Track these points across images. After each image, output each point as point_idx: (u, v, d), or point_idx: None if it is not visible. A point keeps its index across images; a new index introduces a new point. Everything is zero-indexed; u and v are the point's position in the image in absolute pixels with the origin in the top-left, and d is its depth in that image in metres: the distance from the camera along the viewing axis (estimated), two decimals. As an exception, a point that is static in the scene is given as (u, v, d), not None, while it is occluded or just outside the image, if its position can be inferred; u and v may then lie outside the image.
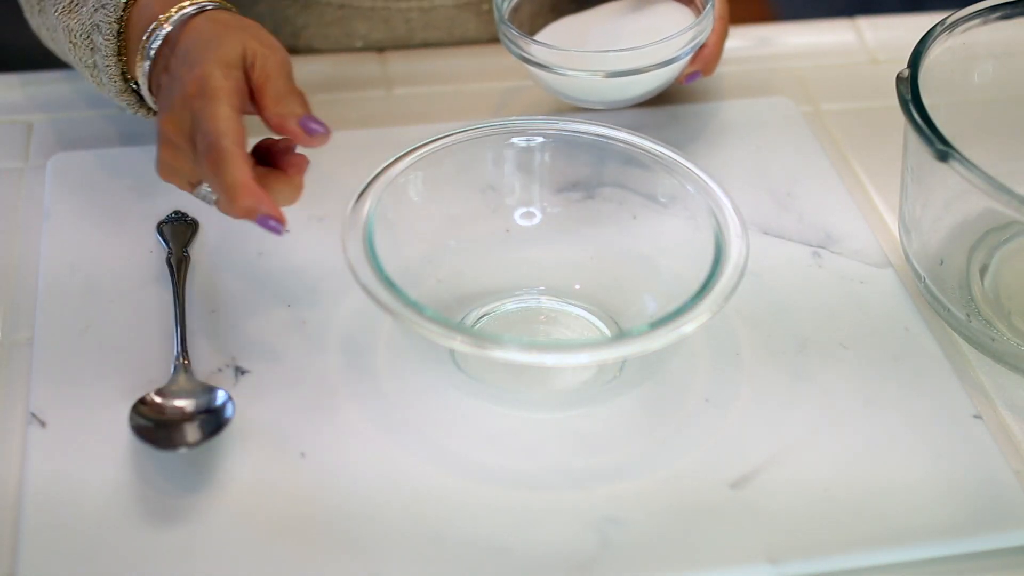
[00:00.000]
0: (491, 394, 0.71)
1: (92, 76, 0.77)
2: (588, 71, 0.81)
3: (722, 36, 0.85)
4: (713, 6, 0.83)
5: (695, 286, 0.67)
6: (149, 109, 0.77)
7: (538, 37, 0.84)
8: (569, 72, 0.81)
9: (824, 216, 0.83)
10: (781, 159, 0.87)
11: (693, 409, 0.71)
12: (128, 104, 0.77)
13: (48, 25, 0.80)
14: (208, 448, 0.67)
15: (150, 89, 0.74)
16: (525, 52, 0.82)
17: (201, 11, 0.72)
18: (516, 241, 0.77)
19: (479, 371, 0.71)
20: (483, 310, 0.74)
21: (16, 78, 0.91)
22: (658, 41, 0.80)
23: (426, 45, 0.97)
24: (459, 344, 0.64)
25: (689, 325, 0.64)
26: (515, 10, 0.86)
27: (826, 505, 0.66)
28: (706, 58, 0.84)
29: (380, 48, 0.97)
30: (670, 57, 0.81)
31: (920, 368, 0.73)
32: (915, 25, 0.87)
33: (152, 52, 0.72)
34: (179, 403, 0.68)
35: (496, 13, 0.83)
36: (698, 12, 0.84)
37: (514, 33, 0.82)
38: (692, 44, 0.82)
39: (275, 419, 0.69)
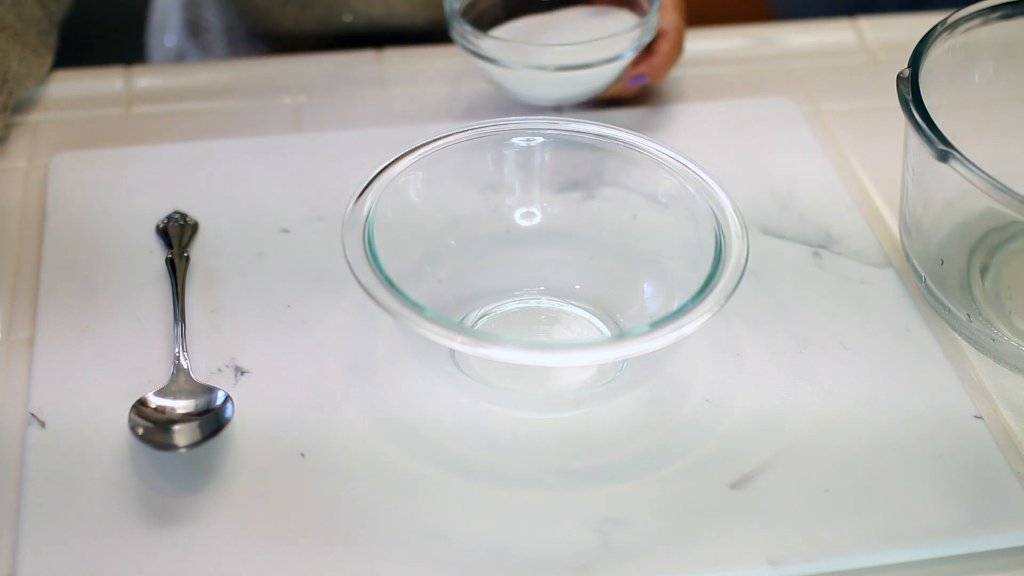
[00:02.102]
0: (491, 394, 0.71)
1: None
2: (536, 66, 0.84)
3: (675, 47, 0.88)
4: (657, 10, 0.85)
5: (695, 286, 0.67)
6: None
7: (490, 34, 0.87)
8: (518, 66, 0.84)
9: (824, 216, 0.83)
10: (781, 159, 0.87)
11: (693, 409, 0.71)
12: None
13: None
14: (208, 448, 0.67)
15: None
16: (475, 47, 0.85)
17: None
18: (516, 241, 0.77)
19: (479, 371, 0.71)
20: (483, 310, 0.74)
21: (16, 78, 0.91)
22: (603, 37, 0.84)
23: (411, 14, 0.98)
24: (459, 344, 0.64)
25: (689, 325, 0.64)
26: (467, 10, 0.88)
27: (826, 505, 0.66)
28: (654, 64, 0.87)
29: (370, 25, 0.97)
30: (614, 54, 0.84)
31: (920, 368, 0.73)
32: (915, 25, 0.87)
33: None
34: (178, 403, 0.68)
35: (447, 8, 0.86)
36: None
37: (466, 28, 0.85)
38: (637, 44, 0.85)
39: (275, 419, 0.69)
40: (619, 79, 0.87)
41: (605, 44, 0.84)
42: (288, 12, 1.00)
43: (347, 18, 0.97)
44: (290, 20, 1.01)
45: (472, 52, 0.85)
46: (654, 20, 0.86)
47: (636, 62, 0.87)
